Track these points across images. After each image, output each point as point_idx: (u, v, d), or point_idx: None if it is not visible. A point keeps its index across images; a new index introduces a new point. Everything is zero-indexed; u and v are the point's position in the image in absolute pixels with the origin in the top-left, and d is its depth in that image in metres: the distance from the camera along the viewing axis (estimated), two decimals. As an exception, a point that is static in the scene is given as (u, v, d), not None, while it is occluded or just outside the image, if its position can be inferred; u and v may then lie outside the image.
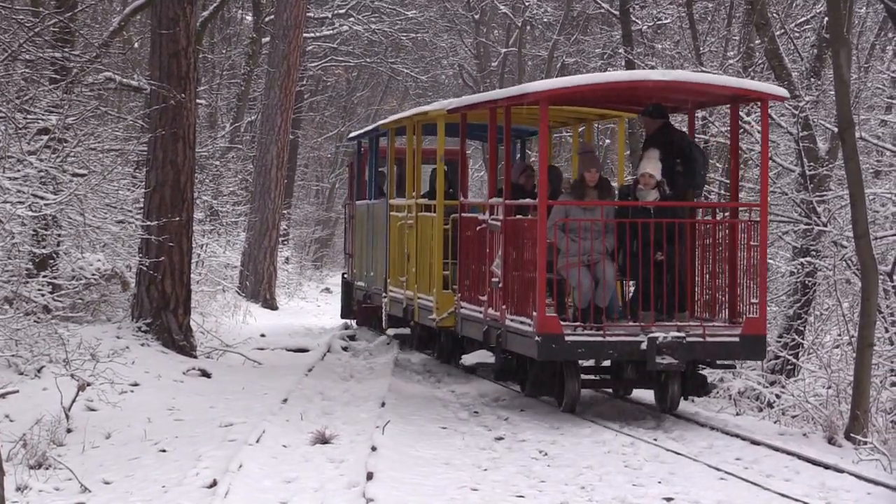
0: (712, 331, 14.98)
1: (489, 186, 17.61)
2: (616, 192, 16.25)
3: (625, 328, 14.88)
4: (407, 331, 22.13)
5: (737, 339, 14.88)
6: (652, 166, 15.34)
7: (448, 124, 19.98)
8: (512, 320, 15.57)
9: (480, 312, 16.74)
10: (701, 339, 14.75)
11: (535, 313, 14.71)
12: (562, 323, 14.69)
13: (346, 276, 28.24)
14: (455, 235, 18.50)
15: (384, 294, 22.30)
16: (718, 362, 15.56)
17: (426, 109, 20.60)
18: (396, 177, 22.62)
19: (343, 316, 28.13)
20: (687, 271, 15.53)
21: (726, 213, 16.14)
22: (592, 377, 16.22)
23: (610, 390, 16.78)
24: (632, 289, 15.96)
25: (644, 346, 14.54)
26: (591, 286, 15.01)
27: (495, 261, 16.16)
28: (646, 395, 16.46)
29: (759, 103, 16.28)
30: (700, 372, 15.71)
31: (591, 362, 15.80)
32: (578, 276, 14.99)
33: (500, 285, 15.92)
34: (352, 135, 28.67)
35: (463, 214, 17.94)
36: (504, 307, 15.85)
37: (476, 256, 17.20)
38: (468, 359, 17.66)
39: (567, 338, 14.56)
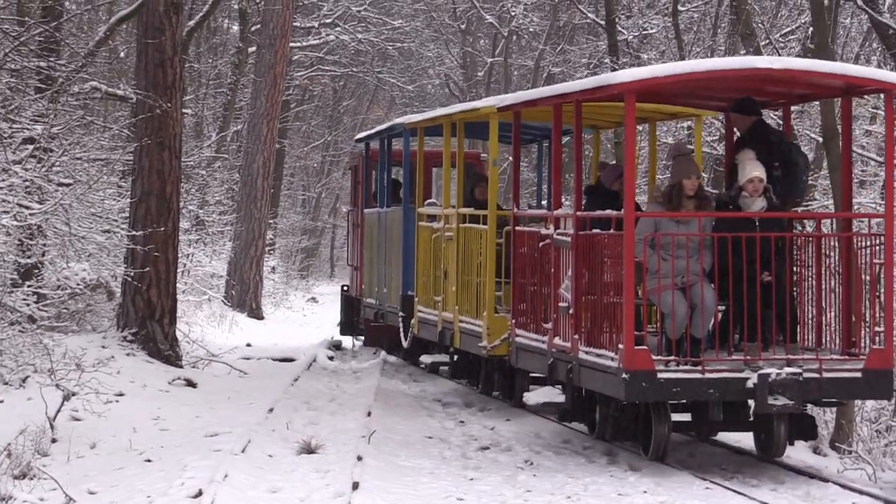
0: (829, 364, 12.60)
1: (554, 195, 14.80)
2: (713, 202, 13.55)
3: (726, 363, 12.54)
4: (444, 358, 19.49)
5: (859, 374, 12.56)
6: (761, 170, 13.05)
7: (475, 124, 18.19)
8: (587, 353, 13.21)
9: (543, 342, 14.32)
10: (817, 376, 12.45)
11: (620, 346, 12.38)
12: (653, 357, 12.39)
13: (346, 289, 26.70)
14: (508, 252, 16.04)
15: (400, 312, 20.29)
16: (825, 400, 13.16)
17: (474, 106, 17.88)
18: (409, 183, 20.43)
19: (343, 332, 26.44)
20: (799, 294, 13.54)
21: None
22: (682, 419, 13.72)
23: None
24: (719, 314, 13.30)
25: (752, 383, 12.26)
26: (687, 313, 12.74)
27: (564, 282, 13.87)
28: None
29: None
30: (807, 412, 13.42)
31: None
32: (672, 300, 12.64)
33: (571, 311, 13.60)
34: (359, 136, 26.61)
35: (517, 228, 15.54)
36: (576, 337, 13.44)
37: (536, 277, 14.80)
38: (532, 397, 14.83)
39: (660, 375, 12.26)
